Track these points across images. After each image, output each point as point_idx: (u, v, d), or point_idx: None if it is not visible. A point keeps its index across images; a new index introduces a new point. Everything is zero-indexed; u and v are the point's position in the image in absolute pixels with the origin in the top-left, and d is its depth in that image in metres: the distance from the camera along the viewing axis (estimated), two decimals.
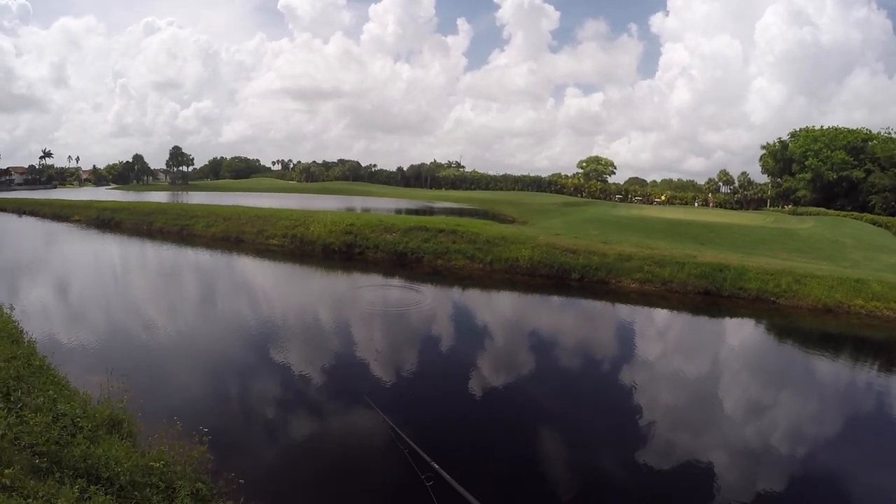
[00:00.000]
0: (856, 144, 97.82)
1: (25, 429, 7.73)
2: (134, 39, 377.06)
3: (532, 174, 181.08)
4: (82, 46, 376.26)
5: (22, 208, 69.30)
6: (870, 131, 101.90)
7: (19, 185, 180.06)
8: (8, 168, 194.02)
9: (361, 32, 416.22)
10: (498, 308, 26.45)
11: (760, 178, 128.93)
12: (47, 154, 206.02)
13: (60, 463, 7.44)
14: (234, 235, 43.36)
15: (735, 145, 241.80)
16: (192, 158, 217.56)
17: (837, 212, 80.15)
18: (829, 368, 19.73)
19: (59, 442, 7.83)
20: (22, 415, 8.16)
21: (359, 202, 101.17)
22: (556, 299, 28.64)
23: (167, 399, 13.07)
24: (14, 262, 33.94)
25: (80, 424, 8.68)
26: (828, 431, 14.47)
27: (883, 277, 29.42)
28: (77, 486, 6.84)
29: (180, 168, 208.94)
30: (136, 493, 7.48)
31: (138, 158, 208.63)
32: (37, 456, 7.32)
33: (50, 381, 10.57)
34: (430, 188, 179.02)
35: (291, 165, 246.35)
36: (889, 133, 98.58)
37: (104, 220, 53.52)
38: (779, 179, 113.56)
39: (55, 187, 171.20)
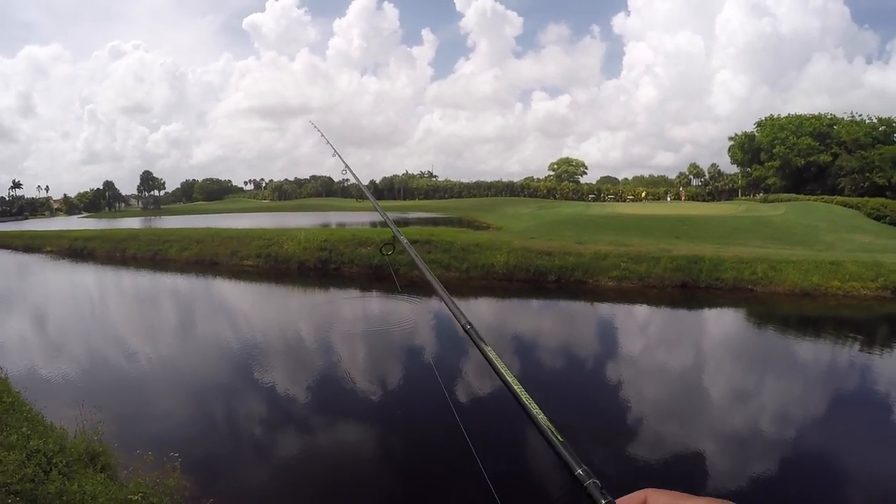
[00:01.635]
0: (821, 130, 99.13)
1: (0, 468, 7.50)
2: (100, 65, 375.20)
3: (504, 179, 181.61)
4: (49, 74, 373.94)
5: None
6: (834, 116, 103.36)
7: None
8: None
9: (327, 48, 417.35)
10: (479, 313, 26.26)
11: (730, 168, 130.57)
12: (17, 185, 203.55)
13: (35, 501, 7.23)
14: (207, 258, 42.80)
15: (703, 138, 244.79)
16: (164, 182, 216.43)
17: (808, 196, 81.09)
18: (811, 350, 19.91)
19: (33, 480, 7.59)
20: None
21: (333, 217, 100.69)
22: (534, 303, 28.57)
23: (146, 428, 12.82)
24: None
25: (54, 461, 8.41)
26: (813, 413, 14.62)
27: (857, 258, 29.81)
28: None
29: (152, 193, 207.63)
30: None
31: (109, 185, 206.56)
32: (11, 495, 7.11)
33: (24, 418, 10.29)
34: (404, 199, 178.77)
35: (264, 184, 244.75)
36: (853, 116, 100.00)
37: (77, 250, 52.74)
38: (748, 169, 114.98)
39: (26, 218, 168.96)
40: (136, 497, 7.98)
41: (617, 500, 0.95)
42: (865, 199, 69.47)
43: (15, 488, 7.24)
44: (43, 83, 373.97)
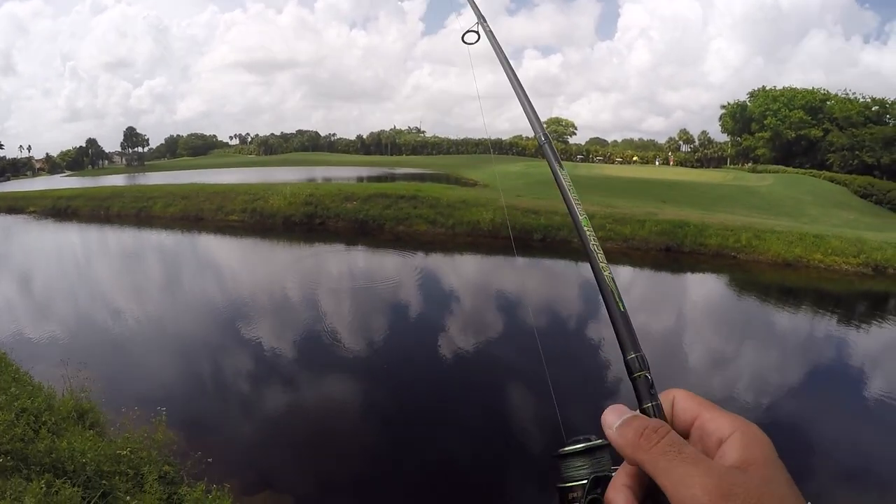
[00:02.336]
0: (814, 104, 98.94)
1: None
2: (81, 19, 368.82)
3: (493, 137, 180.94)
4: (28, 30, 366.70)
5: None
6: (828, 92, 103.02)
7: None
8: None
9: (315, 0, 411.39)
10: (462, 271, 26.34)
11: (720, 137, 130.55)
12: None
13: (26, 460, 7.28)
14: (193, 214, 42.33)
15: (694, 105, 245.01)
16: (147, 139, 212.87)
17: (796, 170, 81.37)
18: (789, 320, 20.18)
19: (23, 439, 7.64)
20: None
21: (319, 172, 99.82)
22: (520, 260, 28.63)
23: (133, 385, 12.83)
24: None
25: (43, 419, 8.50)
26: (786, 381, 14.82)
27: (841, 233, 30.09)
28: (43, 481, 6.67)
29: (136, 149, 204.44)
30: (103, 482, 7.33)
31: (92, 142, 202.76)
32: (1, 455, 7.14)
33: (11, 379, 10.31)
34: (391, 155, 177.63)
35: (249, 139, 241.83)
36: (847, 94, 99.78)
37: (60, 209, 51.87)
38: (738, 138, 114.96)
39: (8, 179, 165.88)
40: (125, 452, 8.02)
41: (618, 419, 0.90)
42: (853, 176, 69.72)
43: (5, 448, 7.29)
44: (23, 40, 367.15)
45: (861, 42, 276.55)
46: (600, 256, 1.18)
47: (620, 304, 1.08)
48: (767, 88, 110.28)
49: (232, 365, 14.75)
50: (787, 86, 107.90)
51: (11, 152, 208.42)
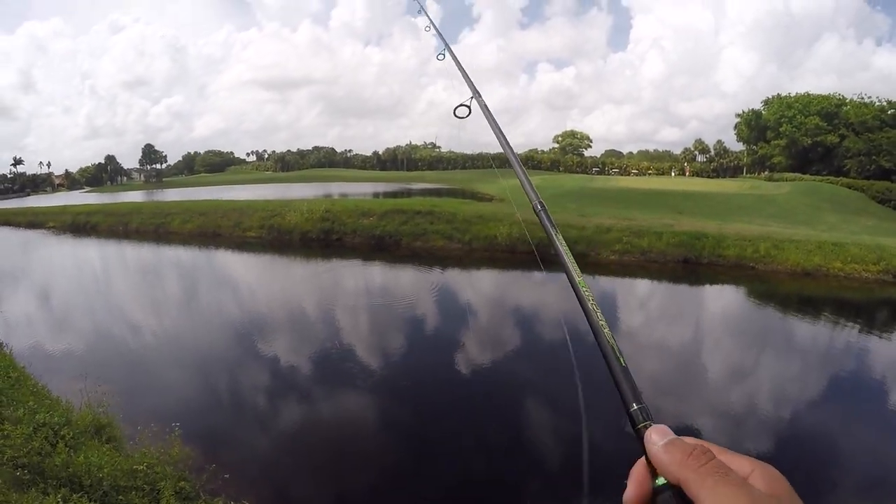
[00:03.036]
0: (829, 110, 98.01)
1: (7, 442, 7.61)
2: (100, 39, 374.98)
3: None
4: (48, 50, 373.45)
5: None
6: (843, 97, 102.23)
7: None
8: None
9: (330, 18, 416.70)
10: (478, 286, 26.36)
11: (736, 146, 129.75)
12: (18, 161, 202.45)
13: (43, 474, 7.34)
14: (210, 230, 42.75)
15: (708, 114, 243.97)
16: (165, 155, 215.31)
17: (813, 177, 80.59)
18: (810, 330, 19.92)
19: (40, 452, 7.71)
20: (2, 428, 8.00)
21: (336, 188, 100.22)
22: (537, 275, 28.54)
23: (151, 400, 12.89)
24: None
25: (61, 433, 8.54)
26: (808, 392, 14.62)
27: (860, 240, 29.76)
28: (60, 495, 6.71)
29: (154, 166, 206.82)
30: (119, 497, 7.37)
31: (111, 159, 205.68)
32: (19, 468, 7.21)
33: (30, 392, 10.45)
34: (407, 170, 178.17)
35: (266, 156, 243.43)
36: (862, 98, 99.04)
37: (79, 225, 52.54)
38: (754, 147, 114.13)
39: (28, 195, 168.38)
40: (142, 467, 8.06)
41: (663, 439, 0.95)
42: (871, 181, 69.00)
43: (22, 461, 7.36)
44: (43, 59, 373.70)
45: (873, 45, 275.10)
46: (599, 314, 1.21)
47: (621, 360, 1.08)
48: (782, 95, 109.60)
49: (249, 380, 14.76)
50: (800, 92, 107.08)
51: (31, 168, 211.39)
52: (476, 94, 2.07)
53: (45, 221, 57.29)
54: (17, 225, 60.29)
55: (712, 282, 26.69)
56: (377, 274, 29.00)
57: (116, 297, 25.96)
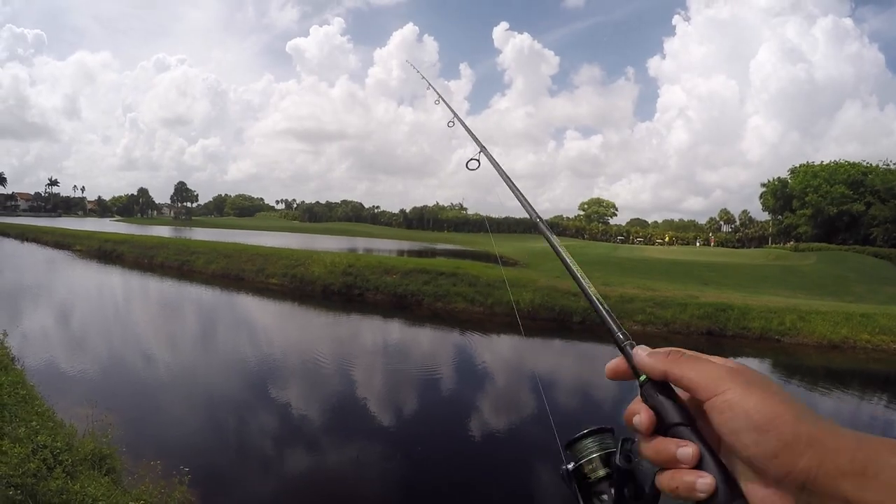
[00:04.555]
0: (855, 178, 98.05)
1: (3, 459, 7.54)
2: (145, 75, 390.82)
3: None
4: (95, 80, 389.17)
5: (25, 235, 70.55)
6: (869, 164, 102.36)
7: (24, 211, 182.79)
8: (13, 194, 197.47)
9: (366, 76, 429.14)
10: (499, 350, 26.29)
11: (761, 215, 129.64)
12: (53, 182, 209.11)
13: (35, 497, 7.22)
14: (234, 273, 43.16)
15: (733, 183, 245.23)
16: (197, 195, 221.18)
17: (839, 246, 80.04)
18: (837, 405, 19.51)
19: (35, 475, 7.59)
20: (1, 445, 8.00)
21: (361, 243, 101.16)
22: (557, 343, 28.34)
23: (157, 435, 12.80)
24: (13, 287, 34.10)
25: (60, 458, 8.45)
26: None
27: (888, 310, 29.31)
28: None
29: (185, 204, 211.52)
30: None
31: (143, 192, 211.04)
32: (12, 488, 7.14)
33: (34, 412, 10.34)
34: (433, 230, 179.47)
35: (295, 205, 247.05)
36: (888, 165, 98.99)
37: (106, 252, 53.76)
38: (780, 216, 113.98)
39: (59, 216, 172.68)
40: None
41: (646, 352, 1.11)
42: None
43: (16, 481, 7.25)
44: (89, 88, 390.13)
45: (895, 110, 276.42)
46: (582, 274, 1.43)
47: (604, 305, 1.31)
48: (808, 163, 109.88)
49: (257, 426, 14.57)
50: (823, 161, 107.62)
51: (66, 191, 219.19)
52: (483, 148, 2.24)
53: (73, 244, 58.90)
54: (45, 243, 61.72)
55: (737, 354, 26.20)
56: (395, 332, 28.94)
57: (133, 328, 26.19)
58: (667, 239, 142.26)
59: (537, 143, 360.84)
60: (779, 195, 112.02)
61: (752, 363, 25.07)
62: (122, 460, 9.97)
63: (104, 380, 16.98)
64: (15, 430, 8.70)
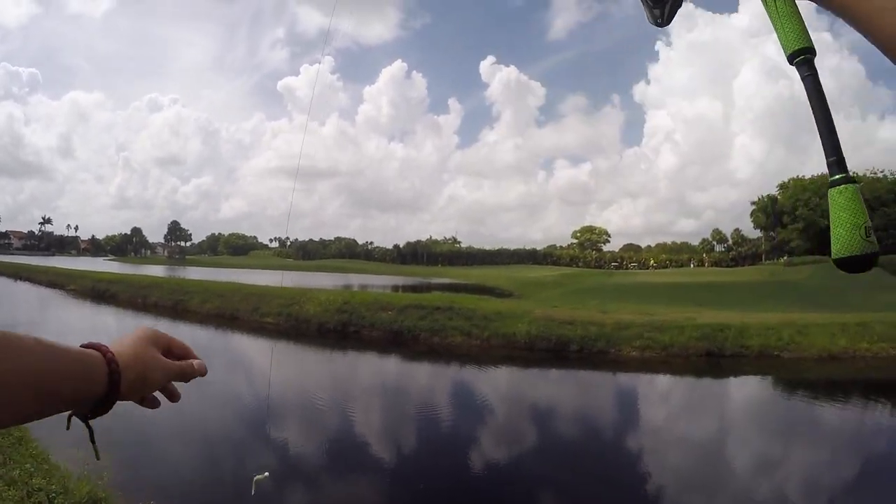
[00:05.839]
0: None
1: None
2: (138, 115, 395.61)
3: (527, 247, 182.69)
4: (89, 119, 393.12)
5: (19, 273, 70.66)
6: (855, 173, 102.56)
7: (17, 249, 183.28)
8: (7, 232, 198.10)
9: (357, 113, 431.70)
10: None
11: (753, 233, 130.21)
12: (47, 221, 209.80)
13: None
14: (228, 312, 42.65)
15: (723, 203, 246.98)
16: (191, 234, 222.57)
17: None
18: (839, 415, 19.40)
19: None
20: None
21: (355, 279, 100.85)
22: (554, 372, 28.16)
23: (151, 478, 12.67)
24: (6, 326, 33.71)
25: (55, 501, 8.34)
26: (848, 483, 14.10)
27: (885, 317, 29.45)
28: None
29: (178, 243, 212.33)
30: None
31: (137, 231, 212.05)
32: None
33: (29, 454, 10.21)
34: (427, 264, 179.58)
35: (288, 243, 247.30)
36: (875, 173, 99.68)
37: (99, 291, 53.49)
38: (772, 233, 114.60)
39: (53, 254, 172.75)
40: None
41: None
42: (890, 255, 68.52)
43: None
44: (83, 127, 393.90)
45: (877, 119, 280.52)
46: None
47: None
48: (797, 177, 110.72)
49: (254, 467, 14.25)
50: (809, 175, 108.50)
51: (59, 229, 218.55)
52: None
53: (66, 283, 58.94)
54: (38, 282, 61.50)
55: (737, 373, 26.08)
56: (392, 369, 28.98)
57: None
58: (652, 262, 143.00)
59: (527, 174, 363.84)
60: (769, 211, 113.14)
61: (754, 381, 25.07)
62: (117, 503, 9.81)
63: (98, 421, 16.65)
64: (9, 473, 8.59)
